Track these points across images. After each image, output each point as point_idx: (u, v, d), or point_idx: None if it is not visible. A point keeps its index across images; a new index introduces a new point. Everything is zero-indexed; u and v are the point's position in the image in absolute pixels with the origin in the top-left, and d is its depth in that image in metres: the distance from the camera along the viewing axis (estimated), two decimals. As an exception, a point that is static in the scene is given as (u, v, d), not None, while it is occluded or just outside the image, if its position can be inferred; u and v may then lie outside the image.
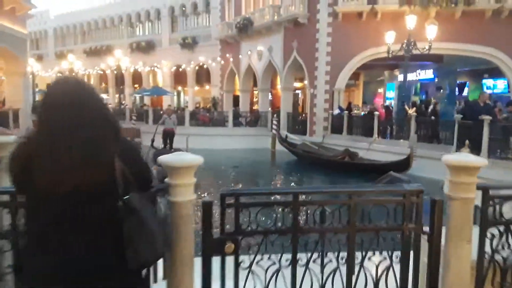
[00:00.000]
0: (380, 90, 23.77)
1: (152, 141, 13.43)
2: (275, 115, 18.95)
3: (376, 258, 1.71)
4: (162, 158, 1.42)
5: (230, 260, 1.53)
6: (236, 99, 24.78)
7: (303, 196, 1.66)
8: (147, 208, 1.25)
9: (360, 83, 23.87)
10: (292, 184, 12.32)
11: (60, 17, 38.31)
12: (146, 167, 1.37)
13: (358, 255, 1.69)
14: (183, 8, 29.44)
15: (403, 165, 12.12)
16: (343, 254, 1.67)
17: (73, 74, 32.29)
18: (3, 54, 14.53)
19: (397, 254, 1.72)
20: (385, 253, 1.70)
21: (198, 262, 1.50)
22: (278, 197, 1.75)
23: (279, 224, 1.57)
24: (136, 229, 1.19)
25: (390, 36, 14.74)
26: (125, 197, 1.20)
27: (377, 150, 14.09)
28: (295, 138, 16.94)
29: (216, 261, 1.51)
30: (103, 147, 1.20)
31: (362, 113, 17.12)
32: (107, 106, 1.34)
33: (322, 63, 16.77)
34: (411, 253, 1.73)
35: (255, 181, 12.72)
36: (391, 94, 22.77)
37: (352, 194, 1.61)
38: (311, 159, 14.89)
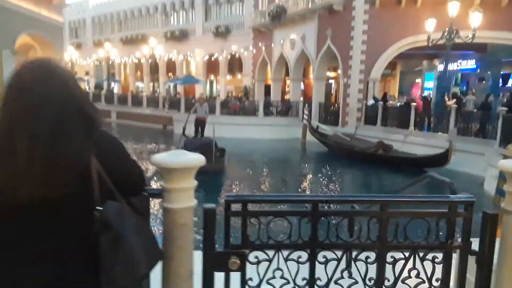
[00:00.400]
0: (418, 81, 22.74)
1: (184, 129, 13.39)
2: (306, 105, 18.52)
3: (412, 281, 1.40)
4: (156, 158, 1.20)
5: (235, 277, 1.30)
6: (267, 89, 24.49)
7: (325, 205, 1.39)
8: (128, 220, 1.01)
9: (397, 73, 22.93)
10: (321, 177, 12.00)
11: (98, 6, 39.13)
12: (132, 166, 1.14)
13: (390, 276, 1.40)
14: (217, -4, 29.24)
15: (441, 159, 11.51)
16: (372, 274, 1.39)
17: (110, 62, 33.02)
18: (39, 42, 14.87)
19: (438, 277, 1.42)
20: (423, 275, 1.40)
21: (198, 278, 1.27)
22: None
23: (295, 237, 1.32)
24: (111, 248, 0.96)
25: (430, 24, 14.00)
26: (99, 207, 0.98)
27: (413, 143, 13.49)
28: (326, 129, 16.49)
29: (219, 278, 1.28)
30: (72, 142, 0.97)
31: (398, 104, 16.40)
32: (81, 93, 1.09)
33: (357, 52, 16.16)
34: (456, 276, 1.43)
35: (284, 173, 12.46)
36: (430, 84, 21.75)
37: (384, 204, 1.33)
38: (342, 151, 14.44)
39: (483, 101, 13.58)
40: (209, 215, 1.24)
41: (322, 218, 1.30)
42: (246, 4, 26.66)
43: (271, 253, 1.32)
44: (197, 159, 1.20)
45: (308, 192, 9.80)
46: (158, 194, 1.23)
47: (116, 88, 37.78)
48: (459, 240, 1.39)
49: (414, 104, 14.16)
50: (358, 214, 1.35)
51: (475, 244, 1.41)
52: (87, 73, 41.80)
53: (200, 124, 13.74)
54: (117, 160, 1.09)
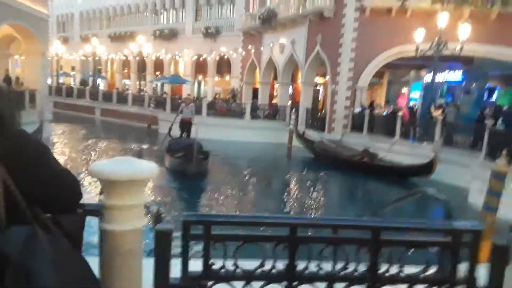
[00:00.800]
0: (404, 90, 22.82)
1: (170, 129, 13.12)
2: (293, 110, 18.36)
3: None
4: (95, 167, 0.96)
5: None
6: (255, 92, 24.28)
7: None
8: (41, 250, 0.75)
9: (384, 82, 22.97)
10: (304, 185, 11.79)
11: (87, 1, 38.36)
12: (60, 176, 0.90)
13: (381, 316, 1.17)
14: (208, -3, 28.99)
15: (426, 169, 11.47)
16: (360, 313, 1.15)
17: (96, 58, 32.39)
18: (22, 33, 14.38)
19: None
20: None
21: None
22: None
23: (268, 266, 1.08)
24: None
25: (419, 34, 14.04)
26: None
27: (398, 152, 13.42)
28: (312, 135, 16.35)
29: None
30: None
31: (385, 112, 16.37)
32: None
33: (345, 59, 16.09)
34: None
35: (267, 180, 12.25)
36: (416, 94, 21.84)
37: (376, 230, 1.10)
38: (328, 158, 14.29)
39: (480, 113, 13.63)
40: (163, 238, 1.00)
41: (302, 244, 1.07)
42: (237, 6, 26.46)
43: (239, 285, 1.08)
44: (148, 169, 0.96)
45: (290, 202, 9.53)
46: (98, 211, 0.99)
47: (102, 84, 37.09)
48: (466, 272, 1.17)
49: (400, 113, 14.13)
50: (345, 241, 1.12)
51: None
52: (73, 68, 40.99)
53: (185, 125, 13.40)
54: (36, 168, 0.83)
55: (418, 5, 14.91)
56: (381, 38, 15.50)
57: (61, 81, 40.16)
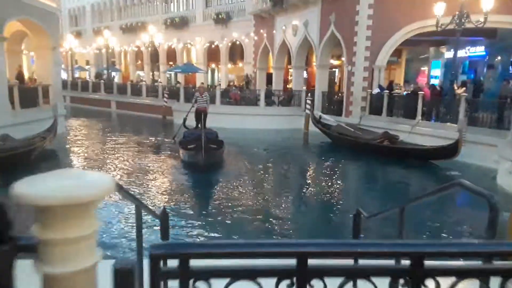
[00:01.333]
0: (424, 68, 22.02)
1: (184, 120, 12.85)
2: (309, 94, 17.91)
3: None
4: (19, 188, 0.68)
5: None
6: (269, 77, 23.85)
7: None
8: None
9: (402, 61, 22.22)
10: (322, 172, 11.42)
11: (97, -8, 38.32)
12: None
13: None
14: (218, -18, 28.44)
15: (450, 151, 10.95)
16: None
17: (109, 50, 32.37)
18: (32, 29, 14.27)
19: None
20: None
21: None
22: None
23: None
24: None
25: (439, 8, 13.29)
26: None
27: (420, 133, 12.95)
28: (329, 119, 15.92)
29: None
30: None
31: (405, 92, 15.75)
32: None
33: (362, 38, 15.48)
34: None
35: (283, 167, 11.90)
36: (436, 72, 21.05)
37: (416, 256, 0.79)
38: (346, 142, 13.89)
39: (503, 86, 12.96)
40: (122, 279, 0.73)
41: (314, 278, 0.78)
42: (247, -11, 25.85)
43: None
44: (97, 186, 0.68)
45: (308, 192, 9.07)
46: (32, 247, 0.72)
47: (116, 77, 37.18)
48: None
49: (421, 93, 13.54)
50: (374, 272, 0.82)
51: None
52: (87, 62, 41.21)
53: (200, 115, 13.03)
54: None
55: (438, -24, 14.12)
56: (399, 13, 14.83)
57: (76, 75, 40.50)
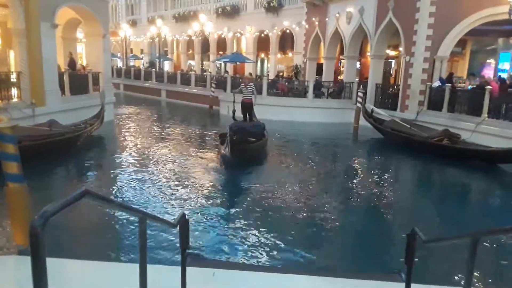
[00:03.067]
0: (490, 61, 20.03)
1: (233, 112, 12.41)
2: (361, 87, 16.87)
3: None
4: None
5: None
6: (319, 68, 22.90)
7: None
8: None
9: (467, 52, 20.36)
10: (373, 171, 10.52)
11: (153, -18, 39.06)
12: None
13: None
14: (271, -32, 27.72)
15: (521, 154, 9.65)
16: None
17: (162, 39, 32.88)
18: (83, 16, 14.50)
19: None
20: None
21: None
22: None
23: None
24: None
25: (514, -8, 11.86)
26: None
27: (486, 132, 11.63)
28: (382, 114, 14.85)
29: None
30: None
31: (470, 86, 14.30)
32: None
33: (423, 26, 14.19)
34: None
35: (330, 165, 11.13)
36: (505, 66, 19.06)
37: None
38: (400, 139, 12.82)
39: None
40: None
41: None
42: (301, -24, 24.95)
43: None
44: None
45: (356, 194, 7.97)
46: None
47: (167, 66, 37.82)
48: None
49: (489, 87, 12.14)
50: None
51: None
52: (142, 51, 42.31)
53: (245, 107, 12.49)
54: None
55: (514, -43, 12.56)
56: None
57: (131, 63, 41.73)
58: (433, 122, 13.20)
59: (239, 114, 12.49)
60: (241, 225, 6.00)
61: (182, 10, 35.20)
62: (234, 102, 12.42)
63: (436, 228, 6.24)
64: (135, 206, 6.40)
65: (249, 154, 9.76)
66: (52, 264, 1.28)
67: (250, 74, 25.91)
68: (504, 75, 15.98)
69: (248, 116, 12.46)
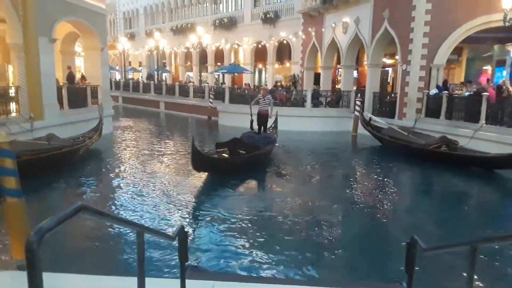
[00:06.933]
0: (486, 68, 20.16)
1: (251, 122, 12.49)
2: (359, 95, 16.95)
3: None
4: None
5: None
6: (317, 77, 23.06)
7: None
8: None
9: (463, 59, 20.50)
10: (371, 179, 10.52)
11: (150, -5, 39.41)
12: None
13: None
14: (267, -19, 28.08)
15: (519, 159, 9.66)
16: None
17: (160, 52, 33.07)
18: (81, 30, 14.61)
19: None
20: None
21: None
22: None
23: None
24: None
25: (507, 0, 12.00)
26: None
27: (483, 139, 11.67)
28: (380, 122, 14.89)
29: None
30: None
31: (467, 93, 14.37)
32: None
33: (418, 34, 14.32)
34: None
35: (329, 174, 11.10)
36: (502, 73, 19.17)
37: None
38: (398, 147, 12.85)
39: None
40: None
41: None
42: (297, -12, 25.25)
43: None
44: None
45: (355, 203, 7.93)
46: None
47: (166, 78, 38.00)
48: None
49: (486, 94, 12.20)
50: None
51: None
52: (140, 64, 42.52)
53: (261, 118, 12.55)
54: None
55: (506, -35, 12.74)
56: (460, 8, 13.59)
57: (130, 76, 41.93)
58: (431, 130, 13.25)
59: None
60: (240, 237, 5.97)
61: (180, 22, 35.50)
62: (251, 113, 12.46)
63: (435, 236, 6.22)
64: (133, 219, 6.40)
65: (214, 167, 9.36)
66: (49, 278, 1.28)
67: (246, 84, 26.09)
68: (500, 81, 16.04)
69: (263, 127, 12.62)
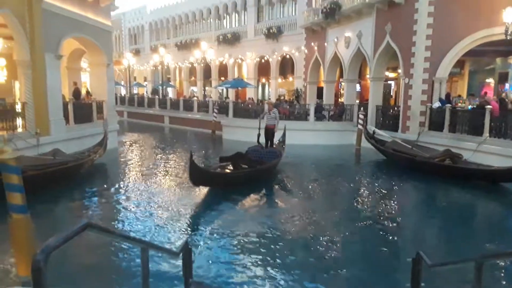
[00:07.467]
0: (489, 80, 20.20)
1: (258, 136, 12.62)
2: (361, 109, 17.00)
3: None
4: None
5: None
6: (320, 91, 23.19)
7: None
8: None
9: (465, 72, 20.57)
10: (375, 193, 10.48)
11: (155, 12, 40.08)
12: None
13: None
14: (269, -3, 28.51)
15: (524, 172, 9.61)
16: None
17: (165, 67, 33.44)
18: (87, 46, 14.83)
19: None
20: None
21: None
22: None
23: None
24: None
25: (509, 14, 12.10)
26: None
27: (488, 152, 11.64)
28: (383, 135, 14.90)
29: None
30: None
31: (470, 106, 14.38)
32: None
33: (420, 48, 14.43)
34: None
35: (332, 188, 11.07)
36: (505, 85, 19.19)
37: None
38: (402, 160, 12.83)
39: None
40: None
41: None
42: (299, 3, 25.61)
43: None
44: None
45: (360, 219, 7.82)
46: None
47: (170, 93, 38.33)
48: None
49: (489, 107, 12.21)
50: None
51: None
52: (145, 79, 42.98)
53: (267, 132, 12.77)
54: None
55: (506, -21, 12.91)
56: (462, 21, 13.70)
57: (135, 91, 42.32)
58: (435, 143, 13.25)
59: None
60: (243, 253, 5.95)
61: (184, 38, 35.95)
62: (259, 127, 12.59)
63: (441, 251, 6.17)
64: (137, 235, 6.41)
65: (212, 181, 9.32)
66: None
67: (250, 98, 26.24)
68: (503, 94, 16.06)
69: (270, 142, 12.72)
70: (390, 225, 7.51)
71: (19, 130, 11.40)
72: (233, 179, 10.07)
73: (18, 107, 11.56)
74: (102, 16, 14.74)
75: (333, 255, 5.99)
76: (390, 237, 6.88)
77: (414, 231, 7.41)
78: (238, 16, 31.83)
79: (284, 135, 13.87)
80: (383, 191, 10.28)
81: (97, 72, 15.56)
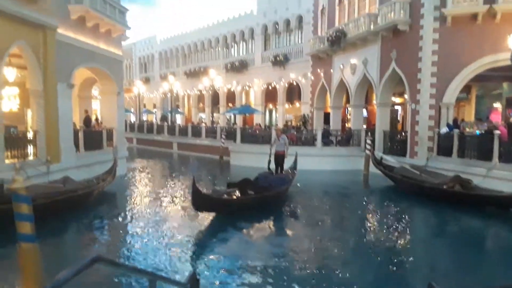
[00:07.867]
0: (497, 105, 20.16)
1: (268, 162, 12.90)
2: (369, 134, 17.02)
3: None
4: None
5: None
6: (327, 117, 23.32)
7: None
8: None
9: (472, 97, 20.57)
10: (384, 221, 10.35)
11: (165, 41, 41.11)
12: None
13: None
14: (276, 26, 29.14)
15: (537, 199, 9.47)
16: None
17: (174, 94, 33.98)
18: (99, 75, 15.22)
19: None
20: None
21: None
22: None
23: None
24: None
25: (513, 40, 12.26)
26: None
27: (498, 177, 11.50)
28: (391, 160, 14.84)
29: None
30: None
31: (478, 131, 14.33)
32: None
33: (426, 74, 14.56)
34: None
35: (340, 216, 10.96)
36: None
37: None
38: (411, 186, 12.72)
39: None
40: None
41: None
42: (305, 32, 26.18)
43: None
44: None
45: (368, 248, 7.69)
46: None
47: (179, 119, 38.79)
48: None
49: (497, 132, 12.17)
50: None
51: None
52: (154, 106, 43.68)
53: (277, 158, 12.93)
54: None
55: (509, 7, 13.11)
56: (467, 48, 13.86)
57: (144, 118, 42.92)
58: (444, 168, 13.15)
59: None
60: (251, 284, 5.89)
61: (193, 66, 36.67)
62: (270, 153, 12.86)
63: (452, 281, 6.04)
64: (144, 264, 6.39)
65: (215, 207, 9.31)
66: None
67: (258, 124, 26.42)
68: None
69: (280, 168, 12.80)
70: (402, 254, 7.39)
71: (30, 157, 11.58)
72: (238, 205, 10.04)
73: (30, 135, 11.78)
74: (113, 46, 15.18)
75: (342, 281, 5.89)
76: (401, 267, 6.74)
77: (425, 260, 7.26)
78: (245, 45, 32.50)
79: (295, 161, 13.94)
80: (393, 218, 10.15)
81: (108, 100, 15.90)
